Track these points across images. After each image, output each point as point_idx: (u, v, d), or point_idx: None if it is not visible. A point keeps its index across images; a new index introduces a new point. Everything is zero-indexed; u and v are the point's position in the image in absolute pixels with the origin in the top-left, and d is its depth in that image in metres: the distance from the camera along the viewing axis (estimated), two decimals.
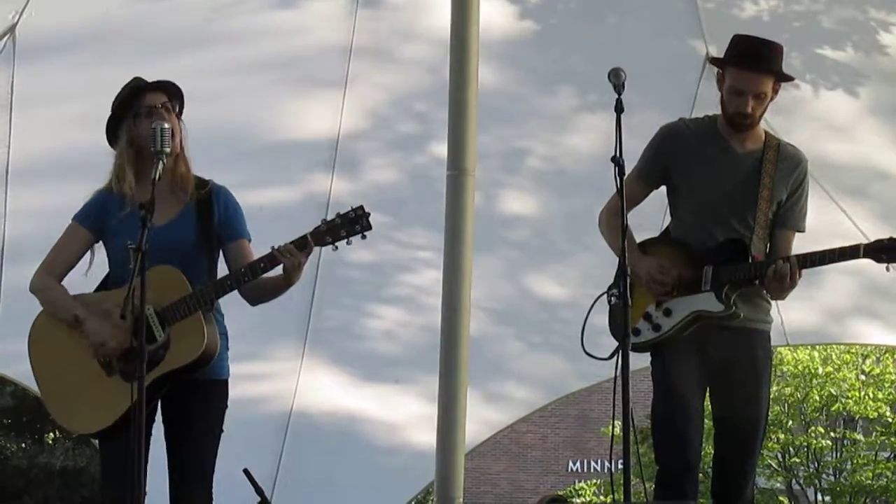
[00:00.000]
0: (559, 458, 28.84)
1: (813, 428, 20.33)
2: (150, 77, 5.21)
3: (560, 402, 12.17)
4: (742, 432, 5.33)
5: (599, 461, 27.66)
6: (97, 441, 5.24)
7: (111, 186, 5.17)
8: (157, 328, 4.94)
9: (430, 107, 8.00)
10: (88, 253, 5.24)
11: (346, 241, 5.01)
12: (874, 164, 8.19)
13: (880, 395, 20.01)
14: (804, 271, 5.19)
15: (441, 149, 7.15)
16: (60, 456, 21.21)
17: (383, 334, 8.86)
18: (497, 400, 8.88)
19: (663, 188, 5.52)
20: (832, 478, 20.96)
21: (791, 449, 20.51)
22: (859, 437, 20.95)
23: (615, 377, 4.91)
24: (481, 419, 8.53)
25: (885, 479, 20.23)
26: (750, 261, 5.25)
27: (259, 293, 5.18)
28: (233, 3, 7.85)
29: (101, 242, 5.23)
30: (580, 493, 24.69)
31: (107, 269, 5.24)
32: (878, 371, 20.30)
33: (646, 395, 5.40)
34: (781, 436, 20.14)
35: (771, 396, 5.66)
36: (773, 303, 5.46)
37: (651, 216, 5.85)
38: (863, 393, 19.94)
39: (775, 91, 5.32)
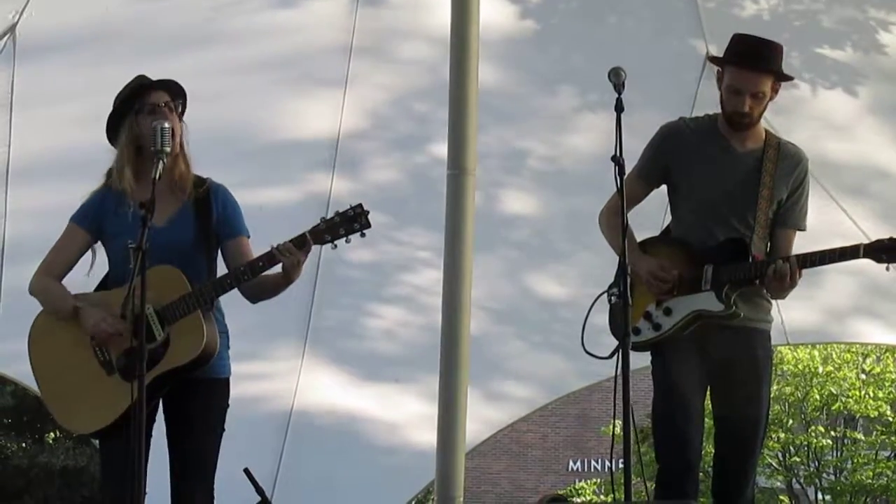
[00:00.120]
0: (559, 457, 28.86)
1: (813, 427, 20.34)
2: (151, 76, 5.21)
3: (560, 402, 12.17)
4: (742, 431, 5.33)
5: (600, 460, 27.68)
6: (97, 441, 5.23)
7: (109, 184, 5.17)
8: (156, 327, 4.94)
9: (431, 106, 8.00)
10: (89, 253, 5.24)
11: (345, 239, 5.01)
12: (874, 163, 8.19)
13: (881, 395, 20.01)
14: (804, 271, 5.19)
15: (441, 148, 7.15)
16: (61, 455, 21.21)
17: (384, 334, 8.87)
18: (497, 399, 8.89)
19: (664, 187, 5.52)
20: (832, 477, 20.97)
21: (791, 448, 20.52)
22: (860, 436, 20.96)
23: (615, 376, 4.91)
24: (482, 418, 8.53)
25: (885, 479, 20.23)
26: (750, 260, 5.25)
27: (259, 291, 5.18)
28: (233, 3, 7.85)
29: (100, 242, 5.23)
30: (580, 492, 24.70)
31: (107, 269, 5.24)
32: (878, 370, 20.30)
33: (646, 394, 5.40)
34: (782, 435, 20.14)
35: (771, 395, 5.65)
36: (773, 302, 5.46)
37: (651, 215, 5.85)
38: (863, 392, 19.95)
39: (775, 91, 5.32)
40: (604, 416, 24.07)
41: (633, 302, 5.15)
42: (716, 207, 5.33)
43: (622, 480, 4.84)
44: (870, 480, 20.21)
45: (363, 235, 5.01)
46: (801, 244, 5.42)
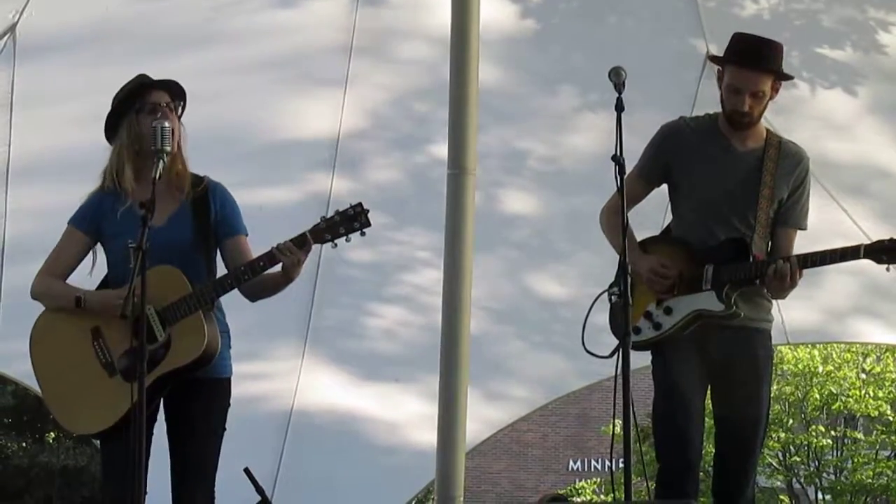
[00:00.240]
0: (560, 456, 28.86)
1: (813, 427, 20.35)
2: (151, 76, 5.20)
3: (560, 401, 12.16)
4: (743, 431, 5.33)
5: (600, 460, 27.68)
6: (98, 441, 5.23)
7: (104, 185, 5.16)
8: (157, 328, 4.93)
9: (431, 106, 8.00)
10: (90, 254, 5.23)
11: (345, 238, 5.01)
12: (874, 162, 8.20)
13: (881, 394, 20.03)
14: (805, 271, 5.19)
15: (441, 148, 7.15)
16: (61, 455, 21.23)
17: (384, 333, 8.87)
18: (497, 399, 8.89)
19: (664, 186, 5.52)
20: (833, 476, 20.98)
21: (792, 448, 20.53)
22: (860, 435, 20.98)
23: (616, 376, 4.92)
24: (482, 418, 8.53)
25: (885, 478, 20.25)
26: (751, 260, 5.25)
27: (259, 290, 5.18)
28: (233, 3, 7.85)
29: (99, 244, 5.22)
30: (581, 492, 24.70)
31: (107, 270, 5.23)
32: (878, 370, 20.32)
33: (646, 393, 5.40)
34: (782, 434, 20.16)
35: (771, 395, 5.65)
36: (773, 301, 5.45)
37: (651, 215, 5.85)
38: (863, 391, 19.96)
39: (775, 90, 5.32)
40: (604, 415, 24.08)
41: (634, 301, 5.15)
42: (716, 207, 5.33)
43: (622, 480, 4.84)
44: (870, 480, 20.23)
45: (363, 234, 5.01)
46: (802, 244, 5.42)
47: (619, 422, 4.84)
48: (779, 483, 21.34)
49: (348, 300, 8.72)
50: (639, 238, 5.44)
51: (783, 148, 5.39)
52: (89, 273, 5.24)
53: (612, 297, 5.29)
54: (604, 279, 5.37)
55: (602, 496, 23.78)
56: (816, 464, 20.76)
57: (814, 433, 20.24)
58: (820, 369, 20.12)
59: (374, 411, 8.81)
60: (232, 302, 5.18)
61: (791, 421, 20.48)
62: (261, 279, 5.06)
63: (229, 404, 5.18)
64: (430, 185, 7.86)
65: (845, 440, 20.96)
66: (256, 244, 5.13)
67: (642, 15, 8.05)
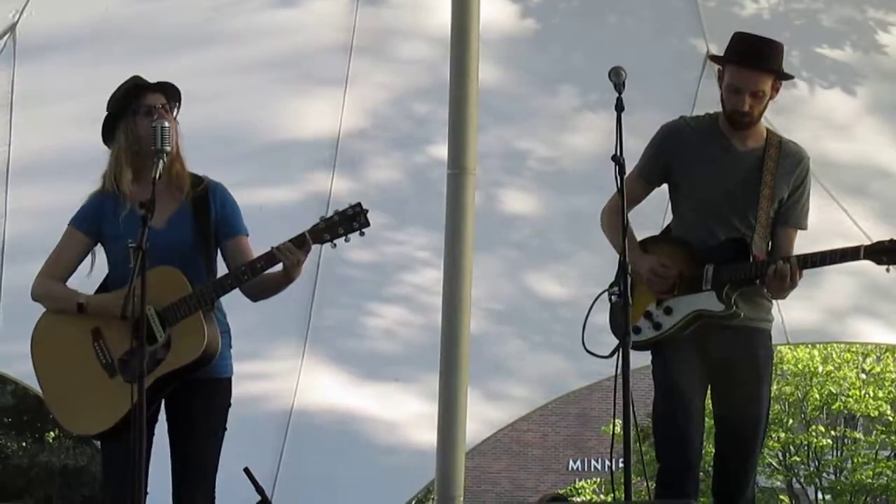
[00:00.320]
0: (560, 456, 28.86)
1: (813, 427, 20.36)
2: (150, 76, 5.20)
3: (560, 401, 12.15)
4: (743, 431, 5.33)
5: (600, 460, 27.69)
6: (99, 441, 5.23)
7: (105, 187, 5.16)
8: (157, 328, 4.94)
9: (431, 106, 8.00)
10: (89, 255, 5.23)
11: (344, 238, 5.01)
12: (874, 162, 8.19)
13: (881, 394, 20.04)
14: (804, 271, 5.19)
15: (441, 148, 7.15)
16: (61, 455, 21.23)
17: (383, 333, 8.87)
18: (497, 398, 8.88)
19: (664, 186, 5.52)
20: (833, 476, 20.99)
21: (792, 447, 20.54)
22: (860, 435, 20.99)
23: (616, 375, 4.92)
24: (482, 418, 8.53)
25: (885, 478, 20.26)
26: (751, 260, 5.25)
27: (260, 290, 5.18)
28: (233, 3, 7.85)
29: (99, 245, 5.22)
30: (581, 491, 24.70)
31: (107, 272, 5.23)
32: (878, 370, 20.32)
33: (646, 393, 5.40)
34: (782, 434, 20.17)
35: (771, 395, 5.65)
36: (773, 301, 5.46)
37: (651, 215, 5.85)
38: (863, 391, 19.97)
39: (775, 89, 5.32)
40: (604, 415, 24.09)
41: (634, 301, 5.16)
42: (717, 207, 5.33)
43: (622, 480, 4.84)
44: (870, 480, 20.24)
45: (362, 234, 5.01)
46: (801, 243, 5.42)
47: (619, 421, 4.84)
48: (779, 483, 21.35)
49: (348, 300, 8.72)
50: (639, 238, 5.44)
51: (784, 147, 5.39)
52: (88, 274, 5.24)
53: (613, 297, 5.29)
54: (604, 279, 5.37)
55: (602, 496, 23.78)
56: (816, 464, 20.76)
57: (814, 433, 20.25)
58: (820, 369, 20.12)
59: (374, 411, 8.81)
60: (232, 302, 5.18)
61: (791, 421, 20.49)
62: (262, 279, 5.06)
63: (230, 404, 5.18)
64: (430, 185, 7.86)
65: (845, 440, 20.97)
66: (257, 244, 5.14)
67: (642, 15, 8.05)
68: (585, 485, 25.15)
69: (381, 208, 7.58)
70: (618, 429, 4.87)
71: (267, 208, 7.16)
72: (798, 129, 7.46)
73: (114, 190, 5.13)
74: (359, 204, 5.02)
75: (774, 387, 18.11)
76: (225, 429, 5.15)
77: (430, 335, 7.58)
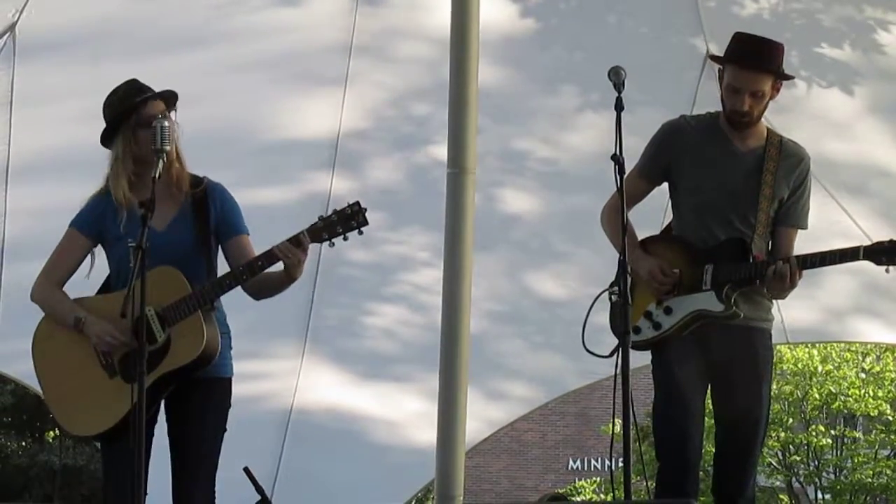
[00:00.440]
0: (559, 456, 28.87)
1: (813, 426, 20.36)
2: (149, 76, 5.20)
3: (560, 400, 12.16)
4: (743, 431, 5.33)
5: (600, 459, 27.69)
6: (99, 442, 5.23)
7: (108, 189, 5.16)
8: (157, 328, 4.94)
9: (431, 105, 8.00)
10: (89, 256, 5.23)
11: (342, 237, 5.01)
12: (874, 161, 8.19)
13: (880, 394, 20.05)
14: (804, 271, 5.19)
15: (441, 148, 7.15)
16: (61, 454, 21.23)
17: (383, 333, 8.86)
18: (497, 398, 8.88)
19: (665, 185, 5.52)
20: (832, 476, 21.00)
21: (791, 447, 20.55)
22: (859, 435, 20.99)
23: (615, 375, 4.92)
24: (481, 417, 8.53)
25: (885, 478, 20.27)
26: (751, 260, 5.25)
27: (262, 288, 5.18)
28: (233, 2, 7.84)
29: (100, 246, 5.22)
30: (580, 491, 24.70)
31: (107, 272, 5.23)
32: (878, 369, 20.33)
33: (646, 393, 5.40)
34: (782, 434, 20.17)
35: (771, 394, 5.65)
36: (773, 301, 5.46)
37: (651, 215, 5.85)
38: (863, 391, 19.97)
39: (776, 90, 5.32)
40: (604, 414, 24.08)
41: (634, 301, 5.16)
42: (717, 206, 5.33)
43: (622, 479, 4.84)
44: (869, 479, 20.24)
45: (361, 233, 5.01)
46: (802, 242, 5.42)
47: (618, 421, 4.84)
48: (778, 482, 21.35)
49: (348, 300, 8.72)
50: (639, 237, 5.44)
51: (784, 147, 5.39)
52: (87, 275, 5.24)
53: (613, 297, 5.29)
54: (604, 279, 5.37)
55: (602, 495, 23.78)
56: (816, 463, 20.77)
57: (813, 432, 20.25)
58: (819, 368, 20.13)
59: (373, 410, 8.81)
60: (232, 302, 5.19)
61: (791, 420, 20.49)
62: (264, 278, 5.06)
63: (230, 404, 5.19)
64: (430, 185, 7.85)
65: (845, 439, 20.97)
66: (257, 244, 5.14)
67: (642, 14, 8.05)
68: (585, 484, 25.14)
69: (381, 208, 7.58)
70: (617, 428, 4.87)
71: (267, 208, 7.16)
72: (797, 128, 7.45)
73: (113, 195, 5.13)
74: (357, 203, 5.02)
75: (774, 386, 18.10)
76: (225, 429, 5.16)
77: (430, 335, 7.58)
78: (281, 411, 8.59)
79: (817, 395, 20.16)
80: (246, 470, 5.80)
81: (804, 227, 5.45)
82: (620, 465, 4.90)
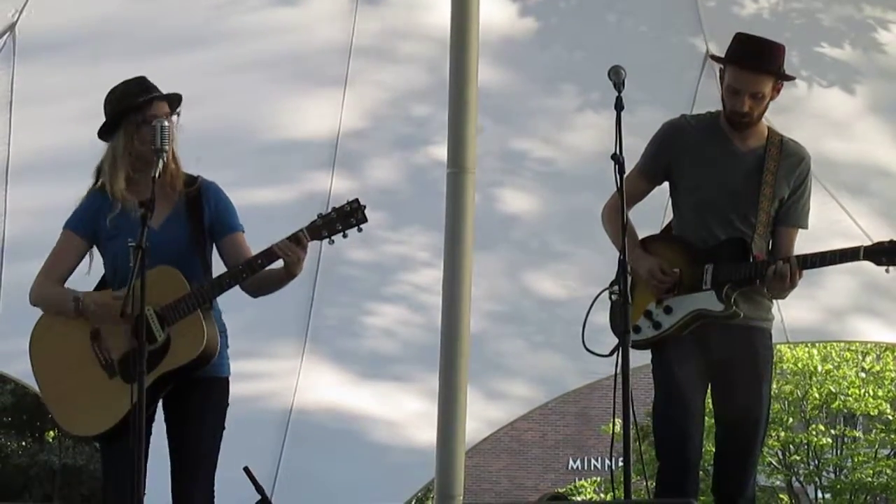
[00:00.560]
0: (559, 455, 28.86)
1: (813, 425, 20.35)
2: (149, 76, 5.18)
3: (560, 400, 12.16)
4: (743, 430, 5.33)
5: (600, 459, 27.69)
6: (98, 442, 5.23)
7: (100, 187, 5.15)
8: (156, 328, 4.94)
9: (431, 105, 8.00)
10: (87, 256, 5.23)
11: (342, 234, 5.01)
12: (874, 161, 8.19)
13: (880, 393, 20.04)
14: (804, 271, 5.19)
15: (441, 147, 7.15)
16: (61, 454, 21.22)
17: (383, 332, 8.86)
18: (497, 398, 8.88)
19: (665, 184, 5.52)
20: (832, 475, 20.99)
21: (791, 446, 20.54)
22: (859, 434, 20.99)
23: (615, 374, 4.92)
24: (481, 417, 8.53)
25: (885, 477, 20.25)
26: (751, 260, 5.25)
27: (260, 286, 5.18)
28: (233, 2, 7.84)
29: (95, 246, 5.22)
30: (580, 490, 24.69)
31: (103, 272, 5.22)
32: (878, 368, 20.32)
33: (646, 392, 5.40)
34: (782, 433, 20.16)
35: (771, 394, 5.65)
36: (773, 300, 5.46)
37: (651, 214, 5.85)
38: (863, 390, 19.97)
39: (776, 90, 5.31)
40: (604, 414, 24.08)
41: (634, 300, 5.16)
42: (717, 205, 5.33)
43: (622, 479, 4.84)
44: (869, 479, 20.23)
45: (360, 230, 5.01)
46: (801, 243, 5.42)
47: (618, 421, 4.84)
48: (779, 482, 21.34)
49: (348, 299, 8.72)
50: (640, 236, 5.44)
51: (784, 147, 5.39)
52: (87, 273, 5.23)
53: (613, 296, 5.29)
54: (604, 278, 5.37)
55: (602, 495, 23.77)
56: (816, 462, 20.76)
57: (813, 432, 20.24)
58: (819, 368, 20.12)
59: (373, 410, 8.81)
60: (231, 301, 5.18)
61: (791, 420, 20.48)
62: (263, 275, 5.06)
63: (228, 403, 5.19)
64: (430, 185, 7.85)
65: (845, 439, 20.97)
66: (257, 244, 5.13)
67: (642, 14, 8.05)
68: (585, 484, 25.14)
69: (381, 208, 7.58)
70: (618, 428, 4.87)
71: (266, 207, 7.16)
72: (797, 128, 7.44)
73: (109, 191, 5.12)
74: (356, 200, 5.02)
75: (774, 385, 18.09)
76: (223, 428, 5.16)
77: (430, 335, 7.58)
78: (281, 411, 8.59)
79: (817, 395, 20.16)
80: (246, 470, 5.80)
81: (804, 226, 5.44)
82: (620, 464, 4.90)
